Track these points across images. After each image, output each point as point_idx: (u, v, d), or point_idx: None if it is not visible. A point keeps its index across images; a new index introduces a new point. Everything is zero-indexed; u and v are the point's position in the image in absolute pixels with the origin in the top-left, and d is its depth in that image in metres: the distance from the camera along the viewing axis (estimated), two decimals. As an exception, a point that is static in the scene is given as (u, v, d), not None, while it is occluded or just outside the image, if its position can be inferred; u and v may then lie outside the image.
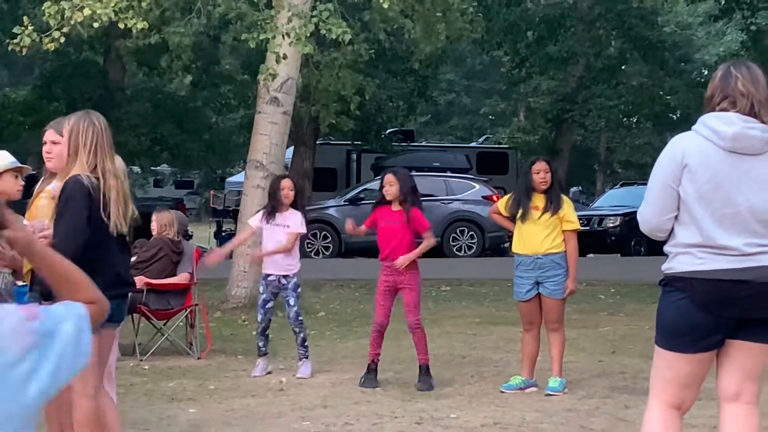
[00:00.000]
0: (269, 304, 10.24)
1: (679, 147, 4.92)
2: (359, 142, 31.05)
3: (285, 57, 14.40)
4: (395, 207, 9.48)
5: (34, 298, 6.32)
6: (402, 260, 9.32)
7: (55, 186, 6.29)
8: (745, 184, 4.86)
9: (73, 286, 2.61)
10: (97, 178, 5.79)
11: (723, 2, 29.59)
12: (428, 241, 9.55)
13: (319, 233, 25.33)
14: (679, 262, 4.95)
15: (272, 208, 10.07)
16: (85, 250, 5.64)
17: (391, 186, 9.47)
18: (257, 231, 10.29)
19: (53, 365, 2.32)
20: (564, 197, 9.31)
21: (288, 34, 13.80)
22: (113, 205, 5.82)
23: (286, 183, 10.12)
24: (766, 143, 4.87)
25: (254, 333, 10.56)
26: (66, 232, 5.72)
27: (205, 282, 13.32)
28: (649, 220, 5.01)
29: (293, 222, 10.02)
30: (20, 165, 6.91)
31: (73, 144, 5.85)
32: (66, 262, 2.64)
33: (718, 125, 4.87)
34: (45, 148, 6.41)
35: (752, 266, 4.86)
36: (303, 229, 10.13)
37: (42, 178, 6.63)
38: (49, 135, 6.39)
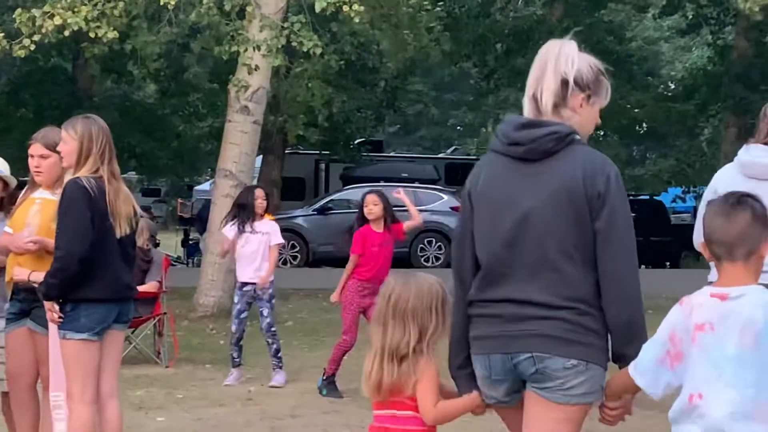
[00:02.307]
0: (244, 314, 10.27)
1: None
2: (328, 152, 31.04)
3: (257, 68, 14.40)
4: (378, 227, 9.58)
5: (15, 307, 6.30)
6: None
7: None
8: None
9: None
10: (99, 179, 5.75)
11: (690, 17, 29.80)
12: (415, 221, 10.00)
13: (287, 243, 25.27)
14: None
15: (245, 218, 10.11)
16: (90, 253, 5.64)
17: (375, 206, 9.57)
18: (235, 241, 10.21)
19: None
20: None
21: (259, 47, 13.81)
22: (117, 207, 5.79)
23: (260, 193, 10.23)
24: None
25: (230, 343, 10.50)
26: (71, 234, 5.67)
27: (173, 290, 13.29)
28: (695, 240, 5.63)
29: (273, 232, 10.14)
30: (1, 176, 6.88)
31: (86, 149, 5.79)
32: None
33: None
34: (33, 163, 6.27)
35: None
36: (282, 240, 10.35)
37: (26, 187, 6.56)
38: (37, 149, 6.26)
